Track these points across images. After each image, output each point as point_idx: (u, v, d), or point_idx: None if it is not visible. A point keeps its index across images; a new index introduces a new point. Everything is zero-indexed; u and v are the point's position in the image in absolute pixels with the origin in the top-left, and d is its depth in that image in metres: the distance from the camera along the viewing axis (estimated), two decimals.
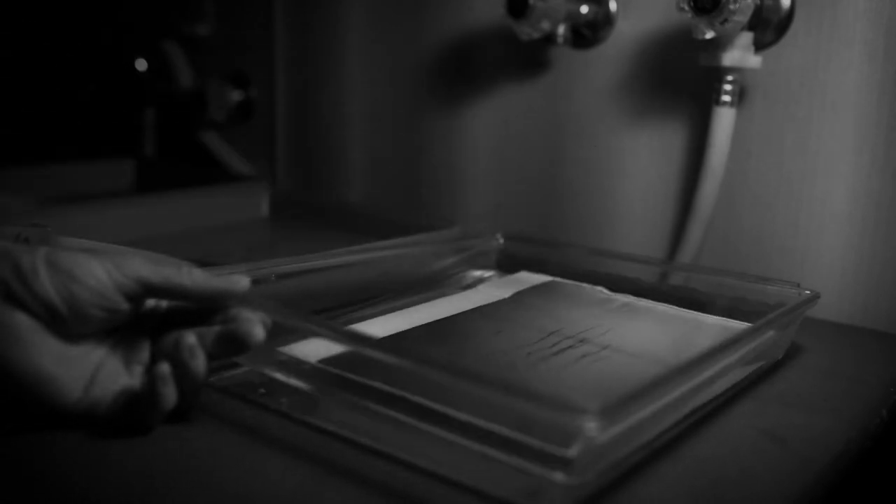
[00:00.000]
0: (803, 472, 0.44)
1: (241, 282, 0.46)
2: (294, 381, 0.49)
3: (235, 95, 1.15)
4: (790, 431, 0.48)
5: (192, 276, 0.45)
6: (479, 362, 0.53)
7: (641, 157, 0.81)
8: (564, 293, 0.69)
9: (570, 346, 0.56)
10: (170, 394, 0.43)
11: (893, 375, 0.57)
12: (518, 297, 0.68)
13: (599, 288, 0.69)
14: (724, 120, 0.71)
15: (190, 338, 0.44)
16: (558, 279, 0.72)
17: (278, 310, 0.46)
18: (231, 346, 0.45)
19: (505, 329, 0.59)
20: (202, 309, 0.47)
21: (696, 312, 0.64)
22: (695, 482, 0.42)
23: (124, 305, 0.44)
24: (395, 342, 0.55)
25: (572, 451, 0.38)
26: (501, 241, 0.76)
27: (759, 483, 0.42)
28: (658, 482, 0.42)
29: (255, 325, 0.45)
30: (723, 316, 0.63)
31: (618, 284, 0.69)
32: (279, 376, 0.50)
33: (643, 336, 0.59)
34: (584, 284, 0.70)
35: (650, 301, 0.67)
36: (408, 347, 0.48)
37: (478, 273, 0.75)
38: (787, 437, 0.47)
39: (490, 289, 0.71)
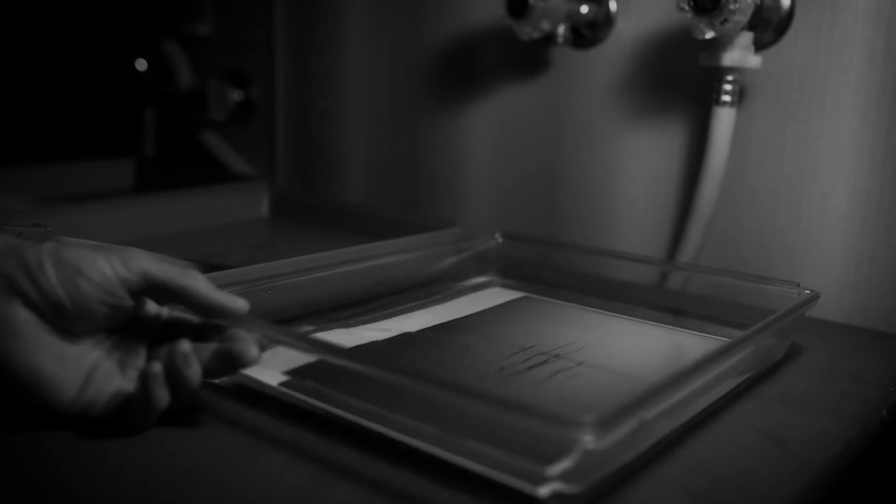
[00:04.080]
0: (803, 472, 0.44)
1: (239, 302, 0.46)
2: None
3: (235, 95, 1.15)
4: (790, 432, 0.48)
5: (196, 280, 0.45)
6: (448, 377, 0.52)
7: (641, 157, 0.81)
8: (538, 308, 0.68)
9: (543, 362, 0.55)
10: (161, 394, 0.43)
11: (893, 375, 0.57)
12: (491, 310, 0.67)
13: (574, 305, 0.68)
14: (724, 120, 0.71)
15: (185, 346, 0.44)
16: (533, 295, 0.72)
17: (268, 327, 0.47)
18: (226, 363, 0.45)
19: (476, 343, 0.59)
20: (199, 325, 0.47)
21: (673, 328, 0.64)
22: (694, 483, 0.42)
23: (128, 301, 0.44)
24: (368, 355, 0.55)
25: (555, 469, 0.38)
26: (501, 240, 0.76)
27: (758, 483, 0.42)
28: (657, 483, 0.42)
29: (251, 346, 0.45)
30: (723, 316, 0.63)
31: (618, 286, 0.69)
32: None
33: (618, 352, 0.58)
34: (560, 301, 0.69)
35: (627, 317, 0.66)
36: (384, 360, 0.49)
37: (480, 279, 0.75)
38: (786, 437, 0.47)
39: (464, 303, 0.70)
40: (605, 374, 0.54)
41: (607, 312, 0.67)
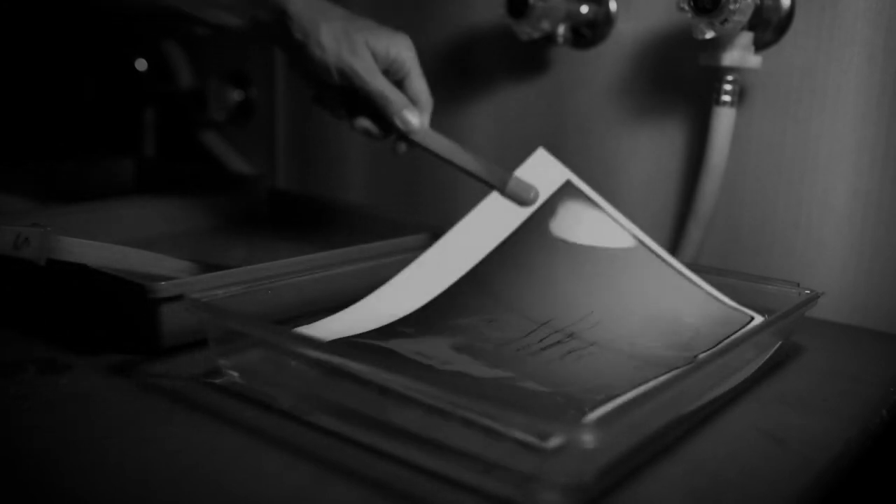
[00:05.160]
0: (803, 472, 0.44)
1: (413, 119, 0.70)
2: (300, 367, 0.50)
3: (235, 95, 1.15)
4: (790, 431, 0.48)
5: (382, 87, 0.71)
6: (468, 357, 0.54)
7: (641, 157, 0.81)
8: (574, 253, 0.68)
9: (557, 342, 0.57)
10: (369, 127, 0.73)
11: (893, 375, 0.57)
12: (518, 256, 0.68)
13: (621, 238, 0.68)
14: (724, 120, 0.71)
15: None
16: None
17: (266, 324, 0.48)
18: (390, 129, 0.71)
19: (497, 318, 0.60)
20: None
21: (700, 287, 0.64)
22: (695, 482, 0.42)
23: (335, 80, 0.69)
24: (383, 343, 0.55)
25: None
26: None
27: (758, 483, 0.42)
28: (658, 482, 0.42)
29: (414, 116, 0.70)
30: None
31: None
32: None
33: (632, 328, 0.59)
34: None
35: (659, 259, 0.66)
36: (398, 352, 0.49)
37: None
38: (786, 437, 0.47)
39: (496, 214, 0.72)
40: (615, 356, 0.55)
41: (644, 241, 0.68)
